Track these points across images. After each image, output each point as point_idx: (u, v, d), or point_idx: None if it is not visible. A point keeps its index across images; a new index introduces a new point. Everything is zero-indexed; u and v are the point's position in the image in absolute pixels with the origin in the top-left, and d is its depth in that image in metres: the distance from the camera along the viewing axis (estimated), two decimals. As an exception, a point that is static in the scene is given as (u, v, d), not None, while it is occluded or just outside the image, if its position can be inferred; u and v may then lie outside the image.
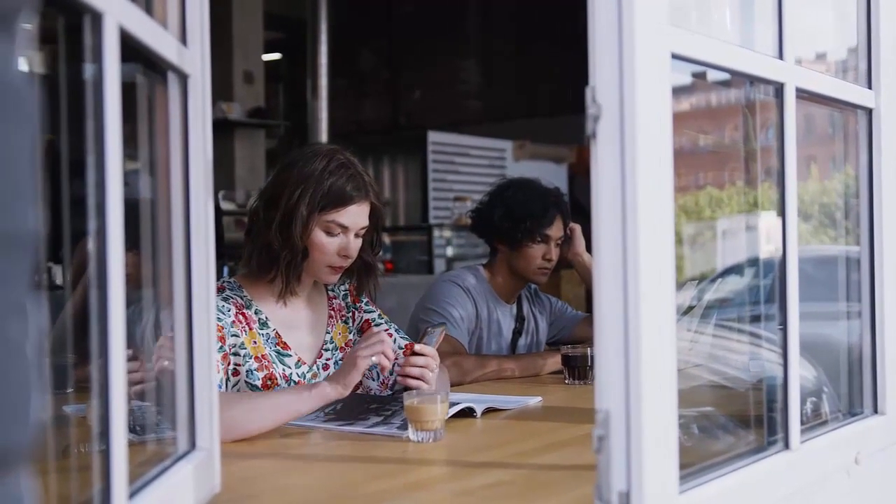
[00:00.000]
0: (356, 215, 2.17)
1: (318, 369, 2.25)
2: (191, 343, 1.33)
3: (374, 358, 1.94)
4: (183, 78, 1.31)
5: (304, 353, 2.24)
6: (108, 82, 0.98)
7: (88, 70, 0.98)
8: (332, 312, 2.34)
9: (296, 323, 2.25)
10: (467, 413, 2.07)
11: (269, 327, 2.19)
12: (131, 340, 1.03)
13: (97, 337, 0.97)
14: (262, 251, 2.16)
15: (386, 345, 1.97)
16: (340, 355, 2.30)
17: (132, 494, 1.06)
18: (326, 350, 2.29)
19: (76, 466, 1.22)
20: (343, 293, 2.39)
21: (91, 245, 0.98)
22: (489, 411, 2.13)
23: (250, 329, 2.14)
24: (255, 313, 2.18)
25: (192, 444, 1.33)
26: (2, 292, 0.52)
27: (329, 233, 2.15)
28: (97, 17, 0.96)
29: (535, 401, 2.30)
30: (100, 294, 0.97)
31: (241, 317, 2.14)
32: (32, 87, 0.56)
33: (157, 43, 1.16)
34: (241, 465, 1.64)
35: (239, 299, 2.17)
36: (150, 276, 1.33)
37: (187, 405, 1.33)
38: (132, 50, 1.08)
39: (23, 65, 0.55)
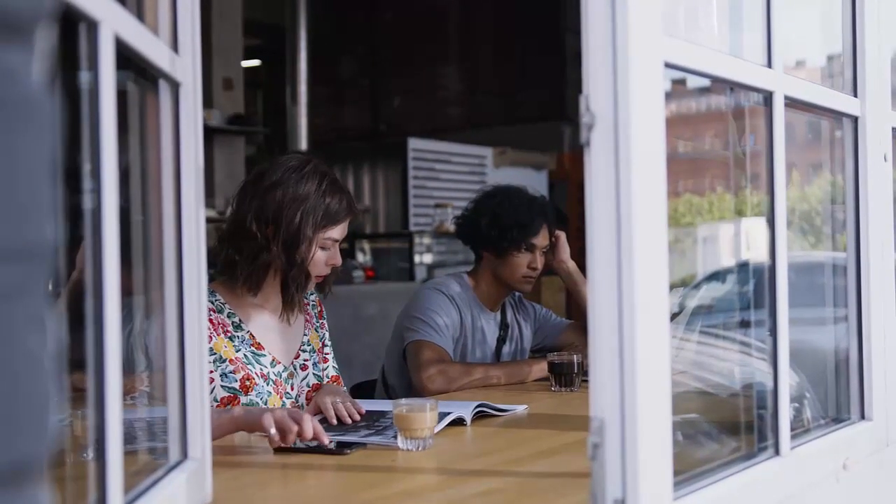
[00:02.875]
0: (345, 228, 2.28)
1: (295, 369, 2.31)
2: (182, 353, 1.32)
3: (272, 431, 1.77)
4: (175, 86, 1.30)
5: (280, 354, 2.29)
6: (104, 90, 0.97)
7: (83, 77, 0.97)
8: (308, 317, 2.41)
9: (272, 325, 2.30)
10: (457, 422, 2.06)
11: (243, 329, 2.24)
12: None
13: (93, 347, 0.96)
14: (260, 270, 2.20)
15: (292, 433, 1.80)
16: (317, 357, 2.38)
17: (126, 505, 1.05)
18: (304, 351, 2.36)
19: (65, 476, 1.21)
20: (312, 303, 2.45)
21: (87, 253, 0.97)
22: (479, 417, 2.13)
23: (218, 334, 2.16)
24: (228, 317, 2.23)
25: (184, 454, 1.32)
26: (21, 304, 0.52)
27: (323, 248, 2.24)
28: (93, 26, 0.95)
29: (521, 409, 2.30)
30: (95, 303, 0.96)
31: (208, 322, 2.16)
32: (50, 98, 0.55)
33: (150, 51, 1.16)
34: (232, 475, 1.63)
35: (209, 304, 2.18)
36: (138, 284, 1.33)
37: (179, 415, 1.32)
38: (124, 57, 1.07)
39: (40, 76, 0.55)
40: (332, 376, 2.42)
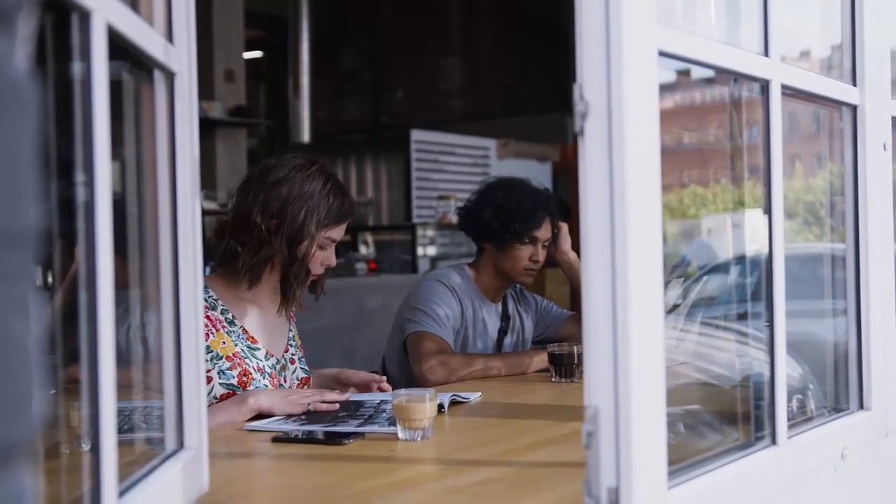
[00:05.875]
0: (343, 230, 2.33)
1: (286, 362, 2.36)
2: (178, 343, 1.33)
3: (310, 406, 2.09)
4: (170, 76, 1.30)
5: (271, 347, 2.33)
6: (97, 80, 0.97)
7: (76, 68, 0.97)
8: (291, 313, 2.45)
9: (262, 320, 2.33)
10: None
11: (236, 325, 2.26)
12: (116, 342, 1.03)
13: (86, 338, 0.96)
14: (262, 263, 2.23)
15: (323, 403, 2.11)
16: (301, 353, 2.43)
17: (121, 493, 1.05)
18: (291, 346, 2.41)
19: (62, 467, 1.22)
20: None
21: (80, 246, 0.97)
22: (454, 404, 2.17)
23: (217, 330, 2.18)
24: (221, 313, 2.25)
25: (181, 444, 1.32)
26: (5, 288, 0.53)
27: (322, 247, 2.27)
28: (85, 15, 0.95)
29: (476, 396, 2.32)
30: (89, 295, 0.97)
31: (205, 320, 2.17)
32: (33, 85, 0.56)
33: (144, 41, 1.16)
34: (228, 465, 1.64)
35: (202, 302, 2.20)
36: (135, 277, 1.33)
37: (175, 404, 1.32)
38: (118, 48, 1.07)
39: (23, 62, 0.55)
40: (302, 378, 2.42)
